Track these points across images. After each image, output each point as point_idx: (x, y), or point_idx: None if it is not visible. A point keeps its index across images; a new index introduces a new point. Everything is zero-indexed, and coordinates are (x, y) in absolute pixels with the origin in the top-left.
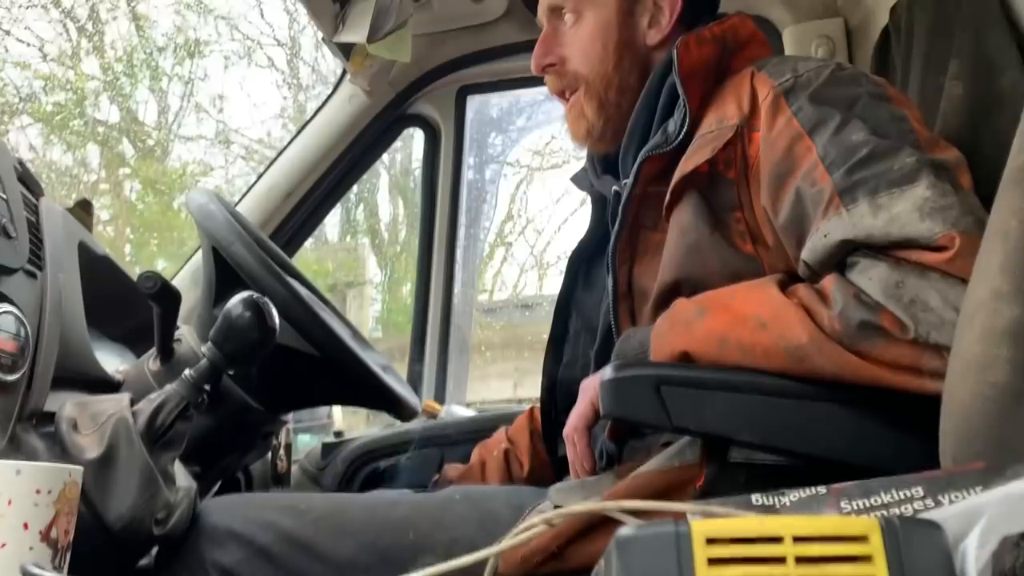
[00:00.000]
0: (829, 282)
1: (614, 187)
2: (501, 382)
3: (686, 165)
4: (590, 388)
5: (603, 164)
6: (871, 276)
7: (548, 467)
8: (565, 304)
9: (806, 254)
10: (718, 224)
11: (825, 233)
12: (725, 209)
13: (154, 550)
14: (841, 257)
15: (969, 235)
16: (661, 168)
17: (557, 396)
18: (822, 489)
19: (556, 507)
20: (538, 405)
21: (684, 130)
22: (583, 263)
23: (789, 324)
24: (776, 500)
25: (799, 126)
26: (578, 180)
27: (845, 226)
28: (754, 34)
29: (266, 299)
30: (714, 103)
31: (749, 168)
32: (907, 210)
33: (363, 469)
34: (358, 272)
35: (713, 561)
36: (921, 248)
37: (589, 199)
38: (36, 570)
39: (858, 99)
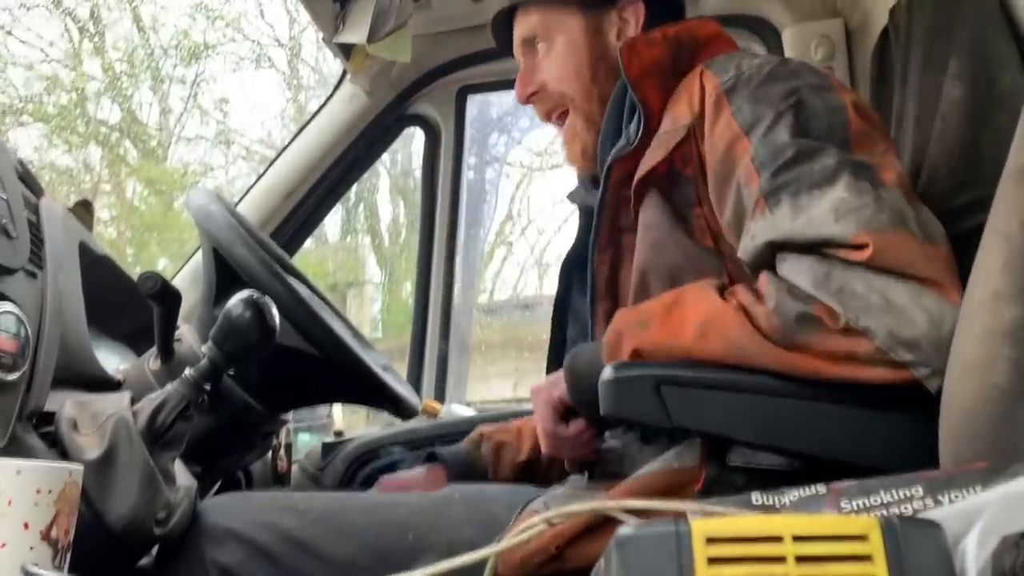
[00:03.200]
0: (763, 280)
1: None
2: (501, 382)
3: (644, 166)
4: (541, 391)
5: (592, 179)
6: (800, 270)
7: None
8: (561, 309)
9: (741, 254)
10: (679, 220)
11: (753, 235)
12: (686, 206)
13: (154, 550)
14: (769, 258)
15: (882, 233)
16: (628, 171)
17: None
18: (822, 488)
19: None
20: None
21: (641, 130)
22: (575, 269)
23: (728, 326)
24: (776, 499)
25: (737, 127)
26: (572, 196)
27: (768, 228)
28: (716, 35)
29: (266, 298)
30: (671, 103)
31: (704, 166)
32: (823, 212)
33: (363, 468)
34: (358, 272)
35: (713, 560)
36: (839, 246)
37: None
38: (36, 570)
39: (794, 93)
